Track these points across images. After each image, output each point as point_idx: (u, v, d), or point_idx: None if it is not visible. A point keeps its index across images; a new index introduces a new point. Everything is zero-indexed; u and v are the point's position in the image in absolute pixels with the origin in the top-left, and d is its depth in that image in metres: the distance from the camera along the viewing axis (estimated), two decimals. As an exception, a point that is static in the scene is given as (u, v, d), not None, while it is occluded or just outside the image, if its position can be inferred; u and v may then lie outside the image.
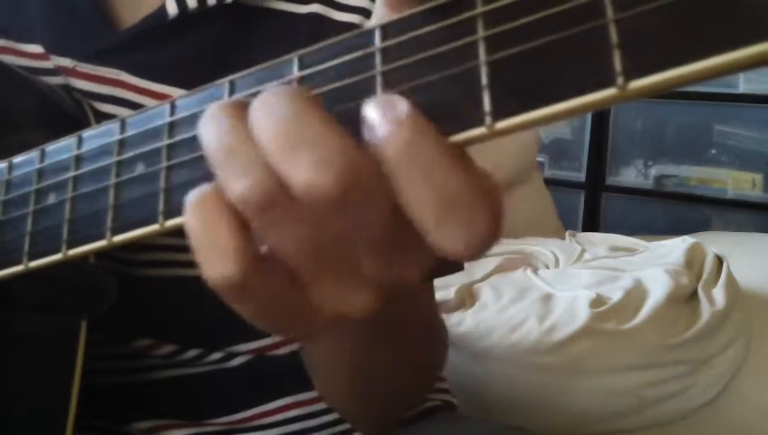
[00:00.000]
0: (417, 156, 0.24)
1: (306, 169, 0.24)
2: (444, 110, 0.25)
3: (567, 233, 1.53)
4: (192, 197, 0.27)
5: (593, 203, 2.30)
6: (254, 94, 0.28)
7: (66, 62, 0.56)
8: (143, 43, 0.56)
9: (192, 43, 0.56)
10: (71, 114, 0.54)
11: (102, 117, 0.55)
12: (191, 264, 0.60)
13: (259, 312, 0.28)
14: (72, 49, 0.56)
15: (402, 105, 0.25)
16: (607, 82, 0.22)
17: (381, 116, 0.25)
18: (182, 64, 0.56)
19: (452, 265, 0.60)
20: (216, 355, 0.61)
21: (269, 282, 0.27)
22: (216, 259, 0.26)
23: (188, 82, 0.55)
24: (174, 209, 0.29)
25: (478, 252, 0.24)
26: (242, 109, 0.27)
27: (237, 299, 0.27)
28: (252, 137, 0.26)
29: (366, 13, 0.57)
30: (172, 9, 0.54)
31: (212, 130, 0.27)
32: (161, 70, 0.56)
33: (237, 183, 0.25)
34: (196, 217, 0.27)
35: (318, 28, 0.56)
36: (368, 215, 0.25)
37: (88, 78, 0.56)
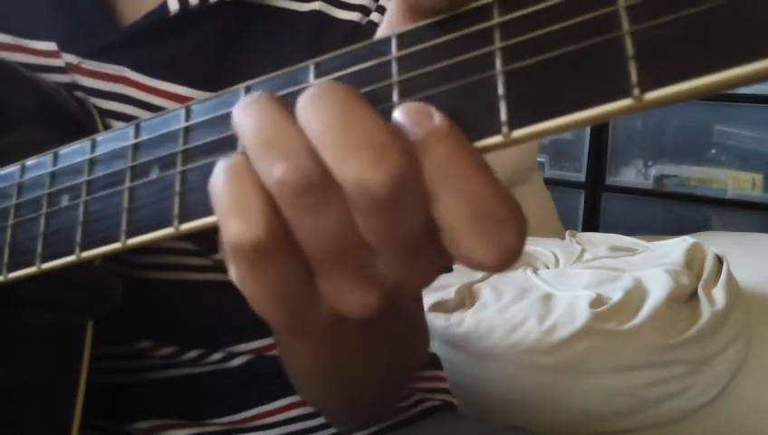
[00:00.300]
0: (454, 167, 0.24)
1: (360, 164, 0.24)
2: (460, 118, 0.25)
3: (567, 233, 1.54)
4: (222, 162, 0.27)
5: (593, 203, 2.30)
6: None
7: (71, 58, 0.56)
8: (145, 39, 0.56)
9: (194, 40, 0.56)
10: (72, 113, 0.54)
11: (106, 114, 0.55)
12: (195, 267, 0.60)
13: (266, 292, 0.28)
14: (76, 46, 0.56)
15: (438, 116, 0.25)
16: (623, 93, 0.22)
17: (416, 125, 0.25)
18: (184, 61, 0.56)
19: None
20: (217, 355, 0.61)
21: (287, 258, 0.27)
22: (242, 218, 0.26)
23: (191, 79, 0.56)
24: (189, 213, 0.30)
25: (505, 264, 0.25)
26: (281, 100, 0.27)
27: (254, 266, 0.27)
28: (296, 125, 0.26)
29: (366, 11, 0.57)
30: (173, 5, 0.54)
31: (252, 115, 0.27)
32: (164, 66, 0.56)
33: (277, 165, 0.25)
34: (226, 179, 0.27)
35: (319, 26, 0.56)
36: (403, 216, 0.25)
37: (92, 75, 0.56)
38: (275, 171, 0.26)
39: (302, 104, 0.26)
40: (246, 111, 0.27)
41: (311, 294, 0.28)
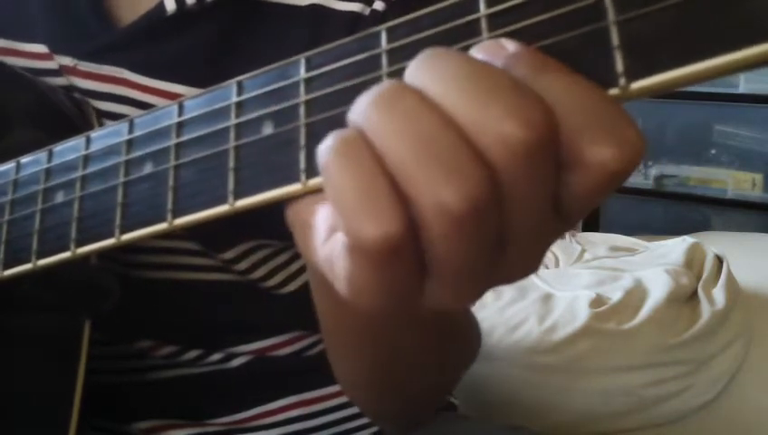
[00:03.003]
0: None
1: (508, 124, 0.22)
2: None
3: (567, 233, 1.54)
4: (337, 142, 0.24)
5: (593, 203, 2.29)
6: (262, 95, 0.29)
7: (67, 60, 0.56)
8: (143, 40, 0.56)
9: (192, 39, 0.56)
10: (69, 115, 0.54)
11: (105, 116, 0.56)
12: (196, 267, 0.60)
13: (379, 288, 0.26)
14: (72, 48, 0.56)
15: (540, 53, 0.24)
16: (609, 82, 0.23)
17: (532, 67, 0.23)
18: (183, 61, 0.56)
19: None
20: (217, 356, 0.61)
21: (411, 259, 0.25)
22: (373, 217, 0.23)
23: (190, 79, 0.56)
24: (182, 208, 0.30)
25: (628, 160, 0.23)
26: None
27: (376, 265, 0.25)
28: (454, 125, 0.23)
29: (368, 0, 0.55)
30: (170, 5, 0.54)
31: (397, 116, 0.24)
32: (162, 66, 0.56)
33: (444, 188, 0.23)
34: (350, 171, 0.24)
35: (319, 19, 0.55)
36: (546, 162, 0.23)
37: (89, 77, 0.56)
38: (441, 195, 0.23)
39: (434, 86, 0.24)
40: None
41: (418, 290, 0.26)
